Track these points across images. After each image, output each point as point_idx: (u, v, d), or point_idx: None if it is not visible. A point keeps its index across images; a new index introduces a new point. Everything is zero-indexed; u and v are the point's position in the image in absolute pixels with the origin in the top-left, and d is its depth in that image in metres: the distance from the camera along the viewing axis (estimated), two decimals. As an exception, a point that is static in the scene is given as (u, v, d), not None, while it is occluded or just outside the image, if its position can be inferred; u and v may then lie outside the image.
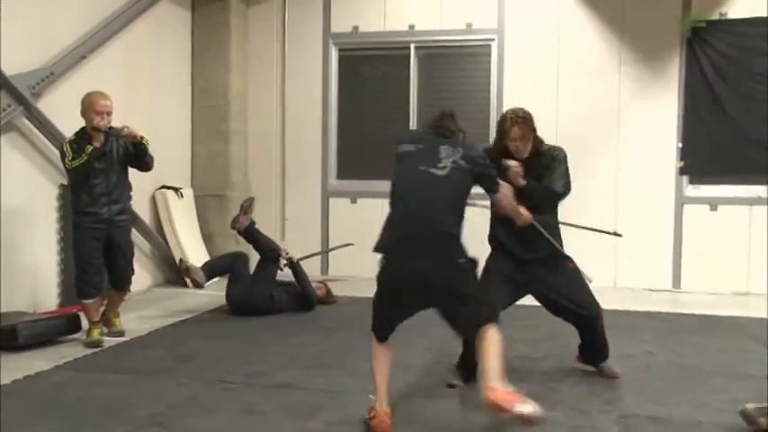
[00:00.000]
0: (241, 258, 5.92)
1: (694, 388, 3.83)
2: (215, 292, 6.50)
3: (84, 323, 4.73)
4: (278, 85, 7.95)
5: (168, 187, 7.09)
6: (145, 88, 6.75)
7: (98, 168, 4.57)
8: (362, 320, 5.43)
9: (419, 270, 3.03)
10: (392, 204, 3.20)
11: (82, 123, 4.72)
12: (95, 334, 4.64)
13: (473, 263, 3.19)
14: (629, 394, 3.72)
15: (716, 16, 6.87)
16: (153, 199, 7.02)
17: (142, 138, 4.70)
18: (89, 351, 4.47)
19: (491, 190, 3.39)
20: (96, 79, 5.88)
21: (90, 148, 4.51)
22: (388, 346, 3.26)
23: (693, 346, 4.81)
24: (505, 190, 3.50)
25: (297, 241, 7.45)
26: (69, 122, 5.46)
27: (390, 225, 3.16)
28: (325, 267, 7.74)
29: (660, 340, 4.97)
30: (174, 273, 7.10)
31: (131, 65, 6.58)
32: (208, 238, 7.61)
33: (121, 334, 4.86)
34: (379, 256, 3.20)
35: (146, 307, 5.60)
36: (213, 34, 7.62)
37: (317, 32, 7.83)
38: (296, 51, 7.88)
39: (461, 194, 3.18)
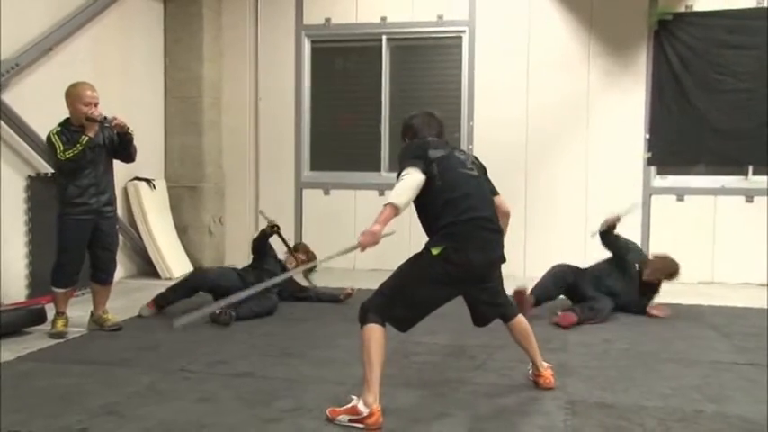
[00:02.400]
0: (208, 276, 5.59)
1: (645, 375, 3.92)
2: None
3: (50, 315, 4.77)
4: (251, 76, 7.97)
5: (140, 179, 7.11)
6: (116, 80, 6.75)
7: (88, 159, 4.58)
8: (331, 310, 5.58)
9: (484, 262, 3.31)
10: (446, 203, 3.28)
11: (50, 115, 4.73)
12: (60, 325, 4.67)
13: None
14: (581, 381, 3.81)
15: (682, 9, 6.96)
16: (125, 191, 7.03)
17: (128, 128, 4.71)
18: (53, 342, 4.50)
19: (496, 193, 3.59)
20: (65, 71, 5.90)
21: (86, 138, 4.51)
22: (386, 336, 3.25)
23: (652, 334, 4.90)
24: None
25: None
26: (37, 114, 5.50)
27: (455, 222, 3.26)
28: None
29: (620, 329, 5.06)
30: (147, 264, 7.15)
31: (102, 57, 6.58)
32: (182, 229, 7.64)
33: (119, 327, 4.85)
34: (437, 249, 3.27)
35: (116, 299, 5.61)
36: (186, 26, 7.61)
37: (289, 24, 7.86)
38: (269, 43, 7.91)
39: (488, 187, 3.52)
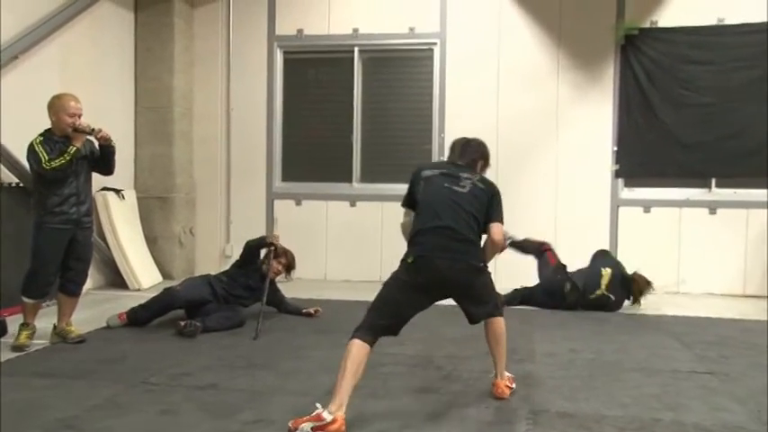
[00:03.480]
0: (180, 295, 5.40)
1: (607, 384, 3.96)
2: (155, 294, 6.50)
3: (12, 327, 4.70)
4: (223, 87, 7.97)
5: (109, 189, 7.05)
6: (85, 89, 6.61)
7: (72, 169, 4.57)
8: (301, 321, 5.56)
9: (444, 270, 3.44)
10: (417, 216, 3.64)
11: (17, 122, 4.68)
12: (23, 337, 4.60)
13: (487, 269, 3.66)
14: (545, 391, 3.84)
15: (647, 24, 7.11)
16: (93, 201, 6.95)
17: (112, 141, 4.72)
18: (13, 355, 4.43)
19: (494, 219, 3.65)
20: (33, 80, 5.86)
21: (74, 149, 4.51)
22: (366, 350, 3.31)
23: (617, 343, 4.96)
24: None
25: (241, 243, 7.46)
26: (4, 123, 5.43)
27: (419, 231, 3.56)
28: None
29: (587, 338, 5.12)
30: (115, 275, 7.08)
31: (70, 66, 6.52)
32: (152, 240, 7.59)
33: (83, 339, 4.77)
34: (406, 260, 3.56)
35: (82, 310, 5.55)
36: (157, 36, 7.60)
37: (261, 35, 7.88)
38: (241, 53, 7.91)
39: (481, 208, 3.60)
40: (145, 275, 7.16)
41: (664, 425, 3.29)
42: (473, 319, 3.72)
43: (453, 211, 3.54)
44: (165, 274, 7.51)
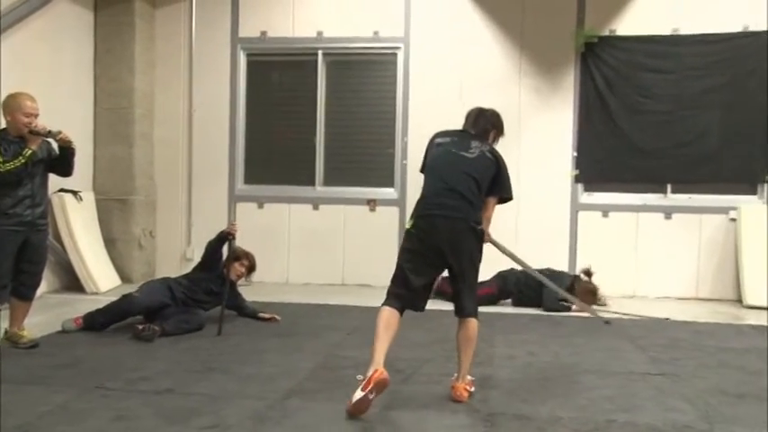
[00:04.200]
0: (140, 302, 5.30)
1: (564, 386, 4.02)
2: (114, 297, 6.39)
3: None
4: (185, 88, 7.89)
5: (66, 190, 6.92)
6: (42, 89, 6.50)
7: (27, 171, 4.46)
8: (262, 325, 5.53)
9: (440, 226, 3.64)
10: (425, 181, 3.81)
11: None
12: (-26, 342, 4.49)
13: (483, 233, 3.77)
14: (503, 393, 3.88)
15: (606, 32, 7.25)
16: (49, 202, 6.81)
17: (72, 143, 4.63)
18: (-35, 360, 4.33)
19: (494, 192, 3.82)
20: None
21: (29, 151, 4.41)
22: (395, 315, 3.62)
23: (574, 346, 5.04)
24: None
25: (203, 246, 7.39)
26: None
27: (424, 193, 3.77)
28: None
29: (545, 341, 5.18)
30: (72, 278, 6.95)
31: (27, 64, 6.39)
32: (110, 242, 7.48)
33: (35, 344, 4.66)
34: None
35: (35, 314, 5.44)
36: (117, 36, 7.50)
37: (224, 36, 7.83)
38: (203, 55, 7.85)
39: (486, 174, 3.75)
40: (102, 278, 7.05)
41: (617, 426, 3.35)
42: (459, 310, 3.77)
43: (457, 175, 3.69)
44: (124, 278, 7.41)
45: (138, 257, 7.63)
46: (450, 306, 3.89)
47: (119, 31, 7.48)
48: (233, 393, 3.77)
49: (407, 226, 3.78)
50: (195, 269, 5.64)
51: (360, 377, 3.44)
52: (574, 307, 6.35)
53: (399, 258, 3.76)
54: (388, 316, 3.60)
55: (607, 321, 5.89)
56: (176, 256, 7.92)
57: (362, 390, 3.33)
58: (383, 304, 3.65)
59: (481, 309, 3.93)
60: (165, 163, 7.94)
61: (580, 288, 6.49)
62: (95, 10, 7.48)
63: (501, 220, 7.20)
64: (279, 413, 3.45)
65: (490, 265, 6.33)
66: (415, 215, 3.75)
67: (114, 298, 5.96)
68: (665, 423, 3.40)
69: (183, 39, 7.87)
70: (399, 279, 3.70)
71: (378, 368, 3.40)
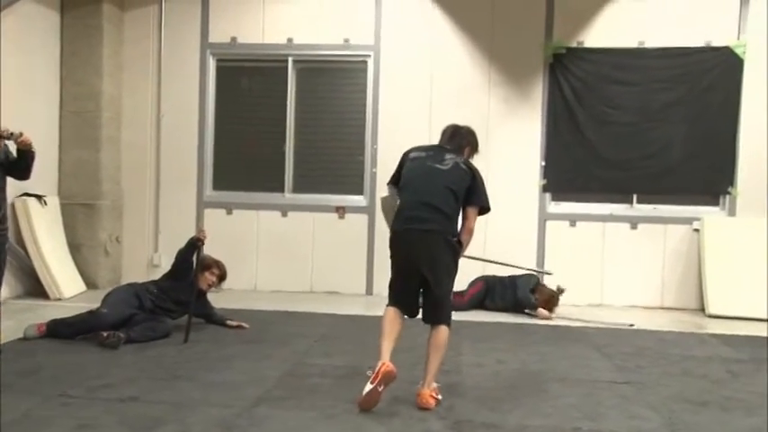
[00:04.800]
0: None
1: (531, 394, 4.06)
2: (78, 303, 6.30)
3: None
4: (153, 93, 7.81)
5: (30, 195, 6.79)
6: (6, 90, 6.43)
7: None
8: (228, 332, 5.48)
9: (415, 238, 3.77)
10: (400, 194, 3.93)
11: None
12: (-69, 350, 4.37)
13: (459, 246, 3.85)
14: (470, 401, 3.90)
15: (574, 44, 7.35)
16: (13, 207, 6.69)
17: (32, 146, 4.52)
18: None
19: (473, 203, 3.88)
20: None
21: None
22: (398, 313, 3.84)
23: (541, 354, 5.08)
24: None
25: (171, 253, 7.30)
26: None
27: (400, 207, 3.88)
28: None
29: (513, 349, 5.22)
30: (35, 283, 6.81)
31: (-10, 66, 6.28)
32: (75, 248, 7.35)
33: None
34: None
35: (-2, 320, 5.33)
36: (84, 38, 7.38)
37: (194, 41, 7.77)
38: (173, 60, 7.78)
39: (461, 185, 3.83)
40: (67, 284, 6.92)
41: (582, 433, 3.40)
42: (427, 317, 3.86)
43: (433, 187, 3.79)
44: (90, 283, 7.29)
45: (103, 263, 7.50)
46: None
47: (86, 34, 7.37)
48: (199, 401, 3.73)
49: (390, 237, 3.92)
50: (165, 277, 5.53)
51: (369, 372, 3.64)
52: (539, 313, 6.52)
53: (392, 265, 3.94)
54: (392, 314, 3.82)
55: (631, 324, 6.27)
56: (143, 263, 7.81)
57: (371, 383, 3.55)
58: (387, 305, 3.88)
59: (454, 317, 3.96)
60: (132, 168, 7.83)
61: (542, 293, 6.72)
62: (62, 12, 7.37)
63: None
64: (246, 421, 3.42)
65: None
66: (392, 229, 3.89)
67: (79, 305, 5.88)
68: (629, 430, 3.45)
69: (152, 43, 7.79)
70: (393, 283, 3.92)
71: (384, 361, 3.60)
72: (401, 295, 3.86)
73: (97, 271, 7.44)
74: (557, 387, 4.22)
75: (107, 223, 7.57)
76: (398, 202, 3.94)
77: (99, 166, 7.44)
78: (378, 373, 3.56)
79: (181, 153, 7.78)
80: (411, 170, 3.91)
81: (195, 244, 5.41)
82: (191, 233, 7.57)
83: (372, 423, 3.49)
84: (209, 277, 5.57)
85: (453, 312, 3.95)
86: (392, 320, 3.81)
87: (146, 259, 7.84)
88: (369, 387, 3.55)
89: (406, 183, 3.90)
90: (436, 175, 3.81)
